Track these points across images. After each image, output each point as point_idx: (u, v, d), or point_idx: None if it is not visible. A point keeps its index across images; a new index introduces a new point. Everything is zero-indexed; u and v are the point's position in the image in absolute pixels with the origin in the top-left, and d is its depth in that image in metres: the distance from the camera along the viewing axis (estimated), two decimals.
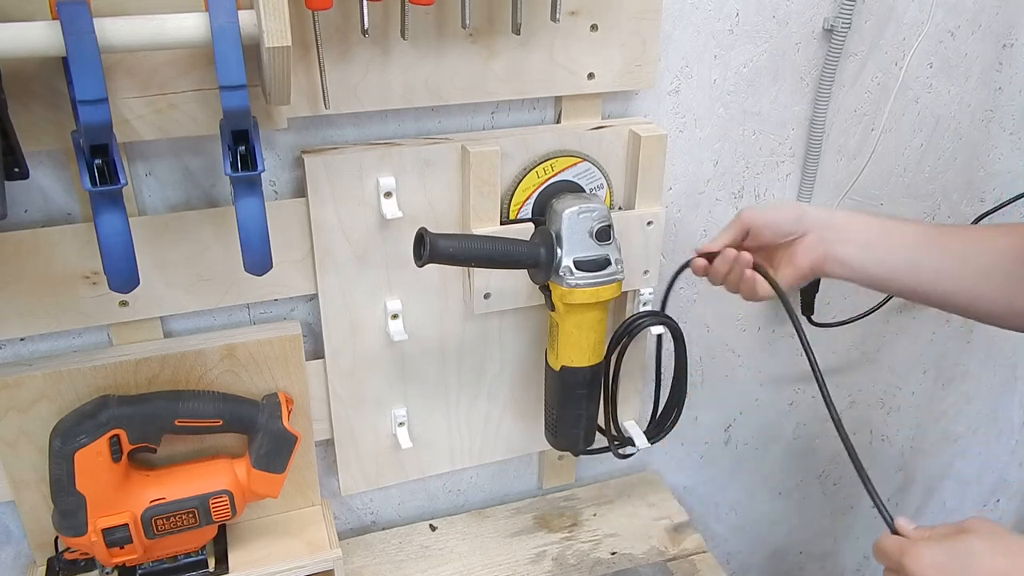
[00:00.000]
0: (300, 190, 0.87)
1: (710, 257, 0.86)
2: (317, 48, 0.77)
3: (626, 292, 1.00)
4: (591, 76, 0.90)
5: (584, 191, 0.92)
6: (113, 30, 0.63)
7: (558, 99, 0.93)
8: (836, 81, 1.04)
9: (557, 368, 0.92)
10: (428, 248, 0.79)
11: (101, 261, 0.70)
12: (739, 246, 0.86)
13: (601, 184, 0.93)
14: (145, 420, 0.83)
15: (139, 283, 0.72)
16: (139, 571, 0.90)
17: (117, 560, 0.86)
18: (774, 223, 0.85)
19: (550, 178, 0.91)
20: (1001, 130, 1.19)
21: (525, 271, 0.89)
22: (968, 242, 0.84)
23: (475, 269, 0.91)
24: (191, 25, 0.65)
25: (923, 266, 0.83)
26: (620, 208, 0.96)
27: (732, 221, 0.87)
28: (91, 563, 0.90)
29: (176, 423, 0.84)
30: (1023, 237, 0.82)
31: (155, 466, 0.89)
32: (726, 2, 0.96)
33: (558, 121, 0.94)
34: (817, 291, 1.13)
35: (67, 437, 0.80)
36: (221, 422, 0.86)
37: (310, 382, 0.94)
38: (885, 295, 1.18)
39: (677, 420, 1.05)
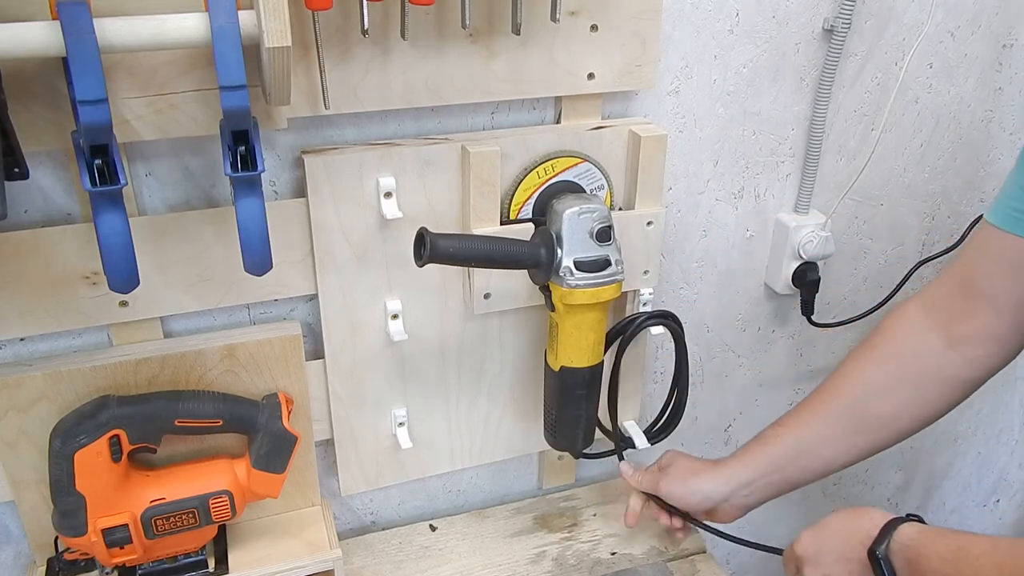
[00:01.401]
0: (300, 190, 0.87)
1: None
2: (317, 48, 0.77)
3: (626, 292, 1.00)
4: (591, 76, 0.90)
5: (585, 191, 0.92)
6: (113, 30, 0.63)
7: (558, 99, 0.93)
8: (836, 81, 1.04)
9: (557, 368, 0.92)
10: (428, 248, 0.79)
11: (101, 261, 0.70)
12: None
13: (601, 185, 0.93)
14: (145, 420, 0.83)
15: (139, 283, 0.72)
16: (139, 571, 0.90)
17: (117, 560, 0.86)
18: (693, 504, 0.94)
19: (551, 178, 0.91)
20: (1001, 130, 1.19)
21: (525, 271, 0.89)
22: (853, 412, 0.89)
23: (475, 269, 0.90)
24: (191, 25, 0.65)
25: (824, 461, 0.90)
26: (620, 208, 0.96)
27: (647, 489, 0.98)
28: (91, 563, 0.90)
29: (176, 423, 0.84)
30: (896, 365, 0.86)
31: (155, 466, 0.89)
32: (726, 2, 0.96)
33: (558, 121, 0.94)
34: (817, 291, 1.13)
35: (67, 437, 0.80)
36: (221, 422, 0.85)
37: (310, 382, 0.94)
38: (885, 297, 1.18)
39: (678, 420, 1.05)
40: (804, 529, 0.82)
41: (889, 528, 0.74)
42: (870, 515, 0.77)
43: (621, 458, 1.05)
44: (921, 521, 0.75)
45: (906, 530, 0.74)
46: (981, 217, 1.16)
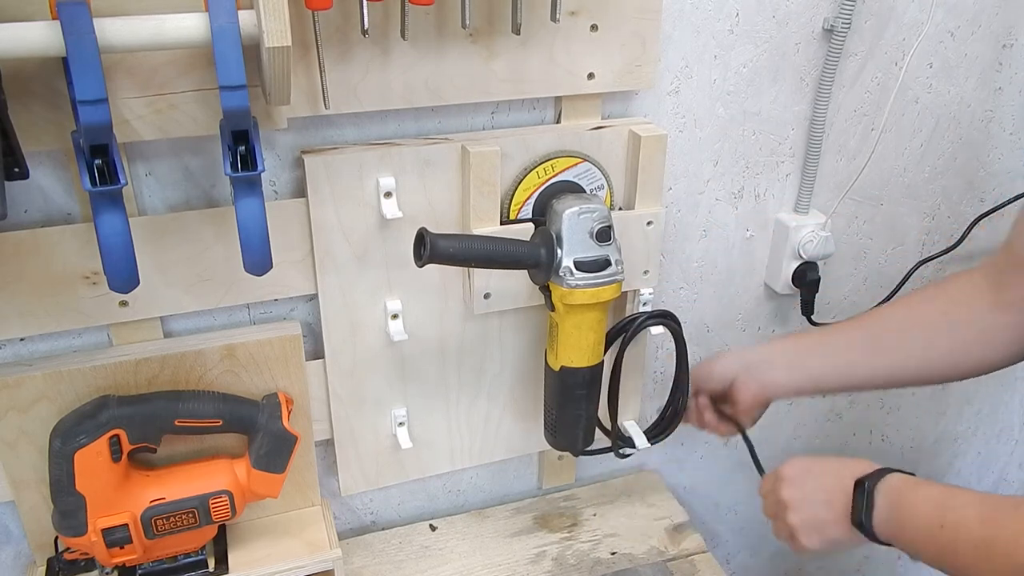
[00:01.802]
0: (300, 190, 0.87)
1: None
2: (317, 48, 0.77)
3: (626, 292, 1.00)
4: (591, 76, 0.90)
5: (584, 191, 0.92)
6: (113, 30, 0.63)
7: (558, 99, 0.93)
8: (836, 81, 1.04)
9: (557, 368, 0.92)
10: (428, 248, 0.79)
11: (101, 261, 0.70)
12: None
13: (601, 184, 0.93)
14: (145, 420, 0.83)
15: (139, 283, 0.72)
16: (139, 571, 0.90)
17: (117, 560, 0.86)
18: (708, 377, 0.98)
19: (551, 178, 0.91)
20: (1001, 130, 1.19)
21: (525, 271, 0.89)
22: (878, 326, 0.93)
23: (475, 269, 0.90)
24: (191, 25, 0.65)
25: (841, 364, 0.93)
26: (620, 208, 0.96)
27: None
28: (91, 563, 0.90)
29: (176, 423, 0.84)
30: (924, 304, 0.91)
31: (155, 466, 0.89)
32: (726, 2, 0.96)
33: (558, 121, 0.94)
34: (817, 291, 1.13)
35: (67, 437, 0.80)
36: (221, 422, 0.85)
37: (310, 382, 0.94)
38: (886, 296, 1.18)
39: (678, 420, 1.05)
40: (795, 460, 0.85)
41: (883, 471, 0.77)
42: (866, 462, 0.80)
43: (620, 456, 1.06)
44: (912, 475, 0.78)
45: (897, 475, 0.76)
46: (982, 217, 1.16)
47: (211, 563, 0.92)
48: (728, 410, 0.98)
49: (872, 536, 0.76)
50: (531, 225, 0.91)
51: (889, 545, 0.77)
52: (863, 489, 0.76)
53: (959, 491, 0.72)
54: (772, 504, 0.86)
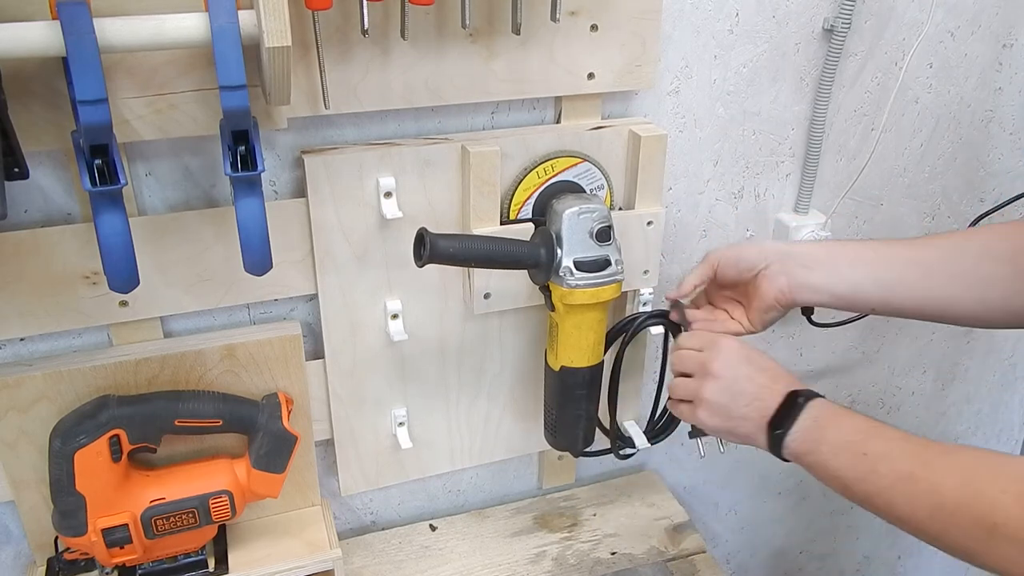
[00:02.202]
0: (300, 190, 0.87)
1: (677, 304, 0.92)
2: (317, 48, 0.77)
3: (626, 292, 1.00)
4: (591, 76, 0.90)
5: (584, 191, 0.92)
6: (113, 30, 0.63)
7: (558, 99, 0.93)
8: (836, 81, 1.04)
9: (556, 368, 0.92)
10: (428, 248, 0.79)
11: (101, 261, 0.70)
12: (709, 286, 0.91)
13: (602, 184, 0.93)
14: (145, 420, 0.83)
15: (139, 283, 0.72)
16: (139, 571, 0.90)
17: (117, 560, 0.86)
18: (736, 258, 0.87)
19: (551, 178, 0.91)
20: (1001, 130, 1.19)
21: (525, 271, 0.89)
22: (936, 251, 0.85)
23: (475, 269, 0.90)
24: (191, 25, 0.65)
25: (890, 280, 0.85)
26: (620, 208, 0.96)
27: (700, 263, 0.90)
28: (91, 563, 0.90)
29: (176, 423, 0.84)
30: (992, 236, 0.83)
31: (155, 466, 0.89)
32: (726, 2, 0.96)
33: (558, 121, 0.94)
34: None
35: (67, 437, 0.80)
36: (221, 422, 0.85)
37: (310, 382, 0.94)
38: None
39: (678, 421, 1.05)
40: (734, 340, 0.81)
41: (816, 393, 0.76)
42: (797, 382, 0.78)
43: (620, 457, 1.05)
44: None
45: (832, 402, 0.75)
46: (982, 217, 1.16)
47: (211, 563, 0.92)
48: (735, 312, 0.89)
49: (779, 445, 0.75)
50: (531, 225, 0.91)
51: (788, 461, 0.76)
52: (795, 402, 0.75)
53: (890, 427, 0.71)
54: (693, 365, 0.82)
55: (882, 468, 0.68)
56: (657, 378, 1.06)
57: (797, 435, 0.74)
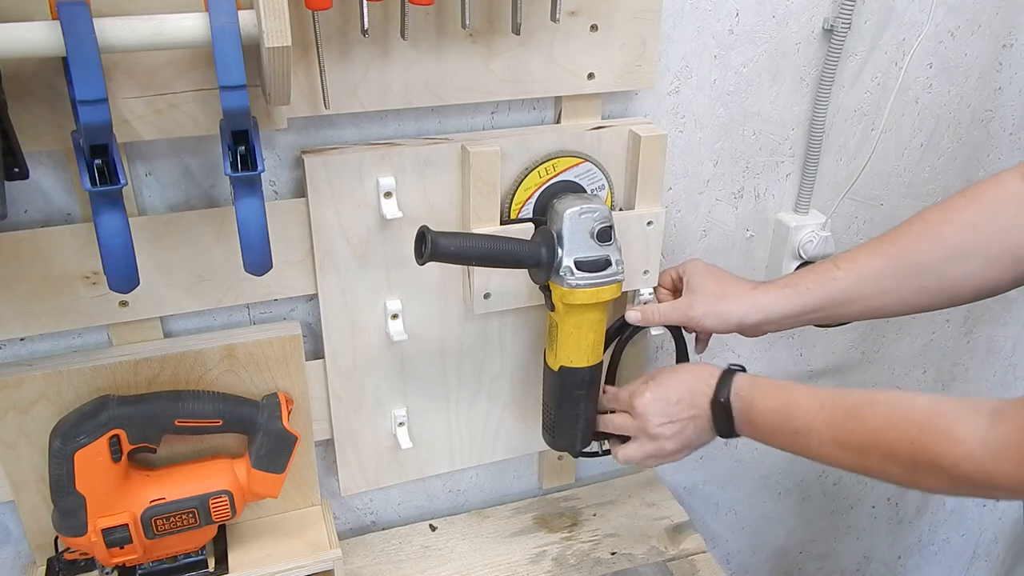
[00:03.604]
0: (300, 190, 0.87)
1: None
2: (317, 48, 0.77)
3: (626, 292, 1.00)
4: (591, 76, 0.90)
5: (585, 191, 0.92)
6: (113, 30, 0.63)
7: (558, 99, 0.93)
8: (836, 81, 1.04)
9: (556, 368, 0.92)
10: (429, 246, 0.79)
11: (101, 261, 0.70)
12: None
13: (602, 185, 0.93)
14: (145, 420, 0.83)
15: (139, 283, 0.72)
16: (139, 571, 0.90)
17: (117, 560, 0.86)
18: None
19: (551, 178, 0.91)
20: (1001, 130, 1.19)
21: (525, 271, 0.89)
22: (902, 268, 0.87)
23: (475, 269, 0.90)
24: (191, 25, 0.65)
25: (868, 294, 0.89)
26: (620, 208, 0.96)
27: (671, 303, 0.95)
28: (91, 563, 0.90)
29: (176, 423, 0.84)
30: (961, 234, 0.84)
31: (155, 466, 0.89)
32: (726, 2, 0.96)
33: (558, 121, 0.94)
34: None
35: (67, 437, 0.80)
36: (221, 422, 0.85)
37: (310, 382, 0.94)
38: None
39: None
40: (645, 388, 0.88)
41: (725, 379, 0.84)
42: (704, 369, 0.87)
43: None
44: (743, 370, 0.86)
45: (740, 381, 0.84)
46: None
47: (211, 563, 0.92)
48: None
49: (729, 420, 0.84)
50: (531, 225, 0.91)
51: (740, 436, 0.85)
52: (721, 405, 0.83)
53: (802, 392, 0.79)
54: (634, 442, 0.90)
55: (813, 441, 0.77)
56: None
57: (742, 431, 0.84)
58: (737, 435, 0.84)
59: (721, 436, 0.85)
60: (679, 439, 0.87)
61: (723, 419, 0.84)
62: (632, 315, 0.95)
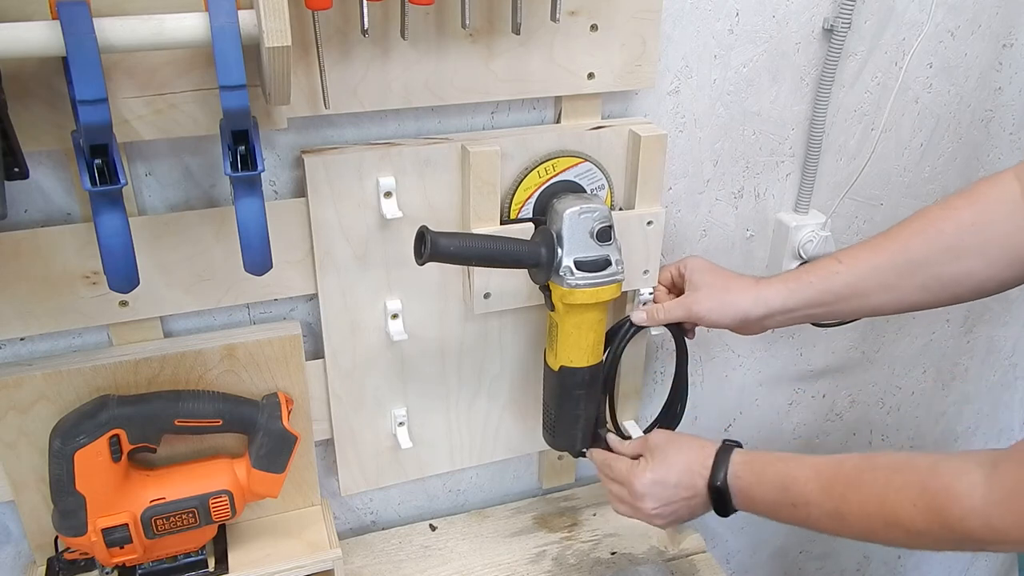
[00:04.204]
0: (300, 190, 0.87)
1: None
2: (317, 48, 0.77)
3: (626, 292, 1.00)
4: (591, 76, 0.90)
5: (585, 191, 0.92)
6: (113, 30, 0.63)
7: (558, 99, 0.93)
8: (836, 81, 1.04)
9: (556, 368, 0.92)
10: (429, 246, 0.79)
11: (101, 261, 0.70)
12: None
13: (602, 184, 0.93)
14: (145, 420, 0.83)
15: (139, 283, 0.72)
16: (139, 571, 0.90)
17: (117, 560, 0.86)
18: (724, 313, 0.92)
19: (551, 178, 0.91)
20: (1001, 130, 1.19)
21: (525, 271, 0.89)
22: (901, 266, 0.88)
23: (475, 269, 0.90)
24: (191, 25, 0.65)
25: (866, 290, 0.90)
26: (620, 208, 0.96)
27: (675, 302, 0.95)
28: (91, 563, 0.90)
29: (176, 423, 0.84)
30: (960, 232, 0.84)
31: (155, 466, 0.89)
32: (726, 2, 0.96)
33: (558, 121, 0.94)
34: None
35: (67, 437, 0.80)
36: (221, 422, 0.85)
37: (310, 382, 0.94)
38: None
39: (678, 421, 1.05)
40: (644, 465, 0.87)
41: (721, 460, 0.84)
42: (701, 449, 0.86)
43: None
44: (739, 446, 0.85)
45: (736, 462, 0.83)
46: None
47: (211, 563, 0.92)
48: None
49: (726, 503, 0.84)
50: (531, 225, 0.91)
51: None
52: (718, 490, 0.83)
53: (796, 468, 0.78)
54: (626, 506, 0.90)
55: (813, 513, 0.76)
56: (658, 378, 1.06)
57: (741, 508, 0.83)
58: (734, 512, 0.84)
59: (719, 515, 0.85)
60: (672, 517, 0.87)
61: (719, 502, 0.83)
62: (638, 316, 0.95)
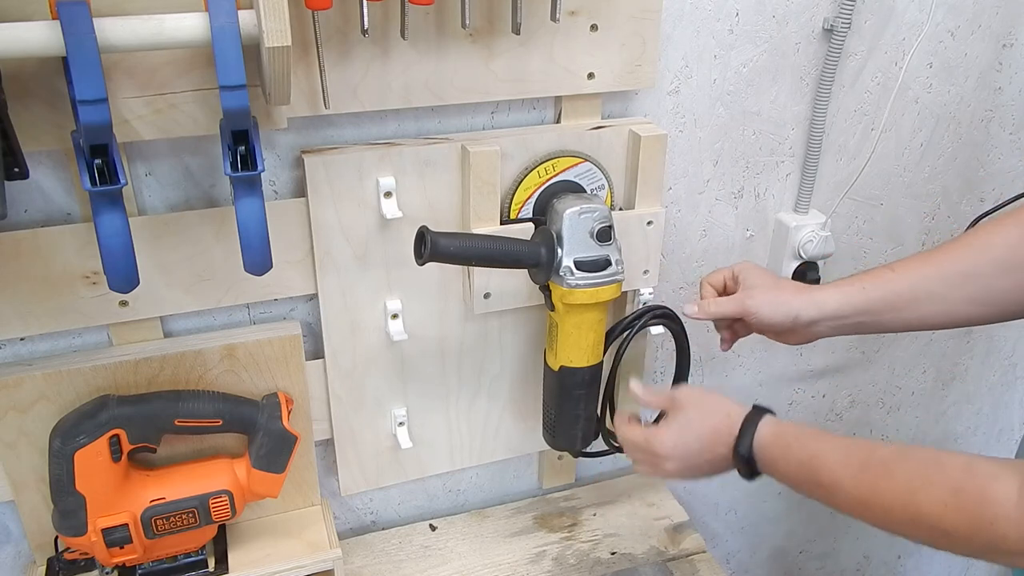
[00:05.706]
0: (300, 190, 0.87)
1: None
2: (317, 48, 0.77)
3: (626, 292, 1.00)
4: (591, 76, 0.90)
5: (585, 191, 0.92)
6: (113, 30, 0.63)
7: (558, 99, 0.93)
8: (836, 81, 1.04)
9: (556, 368, 0.92)
10: (429, 246, 0.79)
11: (101, 261, 0.70)
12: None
13: (602, 184, 0.93)
14: (145, 420, 0.83)
15: (139, 283, 0.72)
16: (139, 571, 0.90)
17: (117, 560, 0.86)
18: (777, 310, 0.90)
19: (551, 178, 0.91)
20: (1001, 130, 1.19)
21: (525, 271, 0.89)
22: (950, 277, 0.87)
23: (475, 269, 0.90)
24: (191, 25, 0.65)
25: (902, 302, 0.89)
26: (620, 208, 0.96)
27: (729, 298, 0.92)
28: (91, 563, 0.90)
29: (176, 423, 0.84)
30: (1005, 248, 0.84)
31: (155, 466, 0.89)
32: (726, 2, 0.96)
33: (558, 121, 0.94)
34: None
35: (67, 437, 0.80)
36: (221, 422, 0.86)
37: (310, 382, 0.94)
38: None
39: None
40: (666, 427, 0.85)
41: (748, 425, 0.81)
42: (730, 411, 0.83)
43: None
44: (772, 412, 0.82)
45: (764, 432, 0.80)
46: (982, 217, 1.16)
47: (211, 563, 0.92)
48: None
49: (752, 464, 0.81)
50: (531, 225, 0.91)
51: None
52: (743, 457, 0.80)
53: (825, 446, 0.76)
54: (644, 459, 0.88)
55: (839, 495, 0.74)
56: (658, 378, 1.06)
57: (764, 471, 0.81)
58: (758, 476, 0.82)
59: (744, 479, 0.82)
60: (693, 475, 0.86)
61: (745, 468, 0.81)
62: (690, 308, 0.93)
